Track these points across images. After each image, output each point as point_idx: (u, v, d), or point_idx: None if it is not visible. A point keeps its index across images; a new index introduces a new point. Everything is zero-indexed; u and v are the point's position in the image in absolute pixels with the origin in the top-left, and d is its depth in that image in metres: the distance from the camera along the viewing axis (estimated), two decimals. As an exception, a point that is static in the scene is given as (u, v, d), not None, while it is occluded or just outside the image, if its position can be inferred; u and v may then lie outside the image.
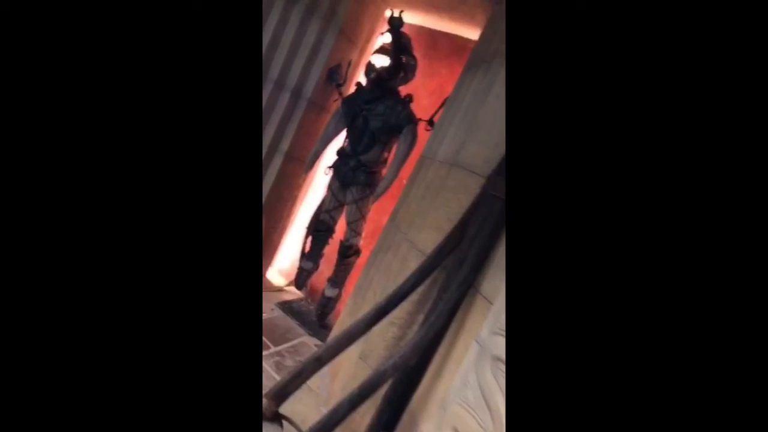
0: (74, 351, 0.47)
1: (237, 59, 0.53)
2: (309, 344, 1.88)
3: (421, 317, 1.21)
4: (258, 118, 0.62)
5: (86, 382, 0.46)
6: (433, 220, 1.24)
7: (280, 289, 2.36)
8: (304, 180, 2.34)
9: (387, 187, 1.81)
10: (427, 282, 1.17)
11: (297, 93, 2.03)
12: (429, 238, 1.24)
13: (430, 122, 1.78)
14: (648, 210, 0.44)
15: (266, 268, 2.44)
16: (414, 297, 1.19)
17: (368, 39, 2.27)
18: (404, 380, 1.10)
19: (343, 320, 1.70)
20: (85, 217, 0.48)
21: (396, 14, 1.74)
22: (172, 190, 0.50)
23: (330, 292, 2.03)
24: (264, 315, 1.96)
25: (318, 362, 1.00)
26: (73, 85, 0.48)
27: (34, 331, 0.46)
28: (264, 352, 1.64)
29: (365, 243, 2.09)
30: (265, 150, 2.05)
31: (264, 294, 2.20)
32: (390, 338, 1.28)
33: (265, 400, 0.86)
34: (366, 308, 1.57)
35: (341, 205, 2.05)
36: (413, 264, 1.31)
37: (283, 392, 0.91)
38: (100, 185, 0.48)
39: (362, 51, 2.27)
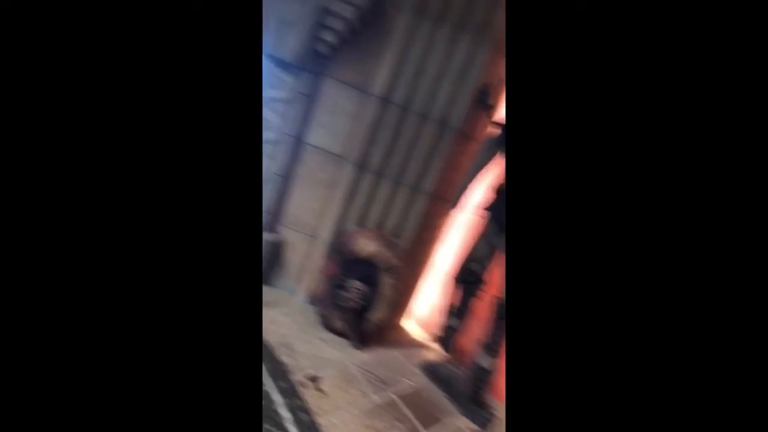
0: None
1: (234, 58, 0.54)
2: (462, 428, 1.51)
3: None
4: (258, 133, 0.59)
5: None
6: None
7: (421, 345, 2.07)
8: (446, 219, 2.05)
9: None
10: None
11: (443, 123, 1.77)
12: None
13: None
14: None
15: (405, 319, 2.20)
16: None
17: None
18: None
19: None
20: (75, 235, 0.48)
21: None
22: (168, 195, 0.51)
23: (485, 362, 1.64)
24: (408, 381, 1.69)
25: None
26: (71, 88, 0.48)
27: (28, 351, 0.46)
28: (413, 440, 1.34)
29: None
30: (407, 191, 1.84)
31: (404, 351, 1.94)
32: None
33: None
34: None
35: (494, 252, 1.67)
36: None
37: None
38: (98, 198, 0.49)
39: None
